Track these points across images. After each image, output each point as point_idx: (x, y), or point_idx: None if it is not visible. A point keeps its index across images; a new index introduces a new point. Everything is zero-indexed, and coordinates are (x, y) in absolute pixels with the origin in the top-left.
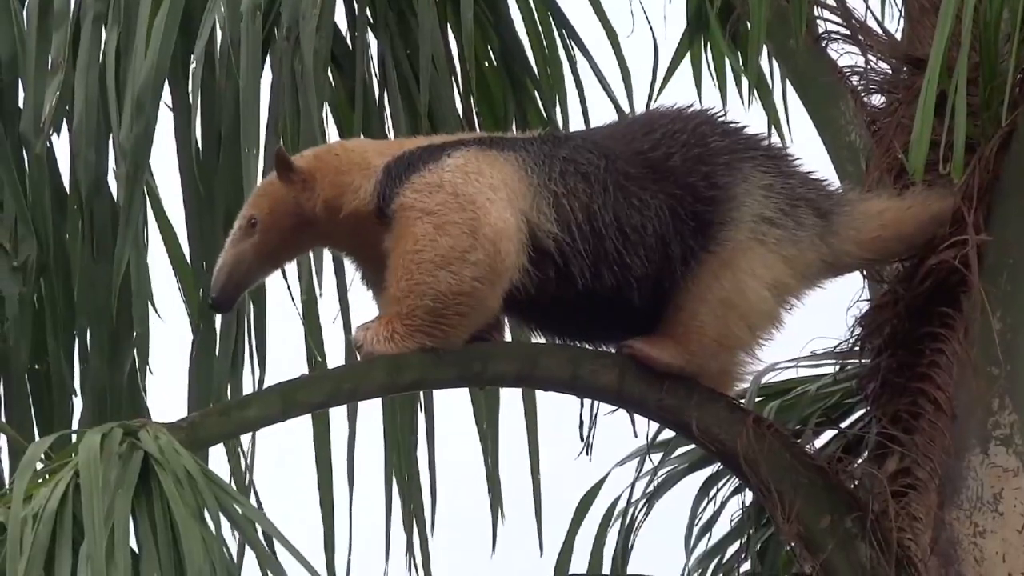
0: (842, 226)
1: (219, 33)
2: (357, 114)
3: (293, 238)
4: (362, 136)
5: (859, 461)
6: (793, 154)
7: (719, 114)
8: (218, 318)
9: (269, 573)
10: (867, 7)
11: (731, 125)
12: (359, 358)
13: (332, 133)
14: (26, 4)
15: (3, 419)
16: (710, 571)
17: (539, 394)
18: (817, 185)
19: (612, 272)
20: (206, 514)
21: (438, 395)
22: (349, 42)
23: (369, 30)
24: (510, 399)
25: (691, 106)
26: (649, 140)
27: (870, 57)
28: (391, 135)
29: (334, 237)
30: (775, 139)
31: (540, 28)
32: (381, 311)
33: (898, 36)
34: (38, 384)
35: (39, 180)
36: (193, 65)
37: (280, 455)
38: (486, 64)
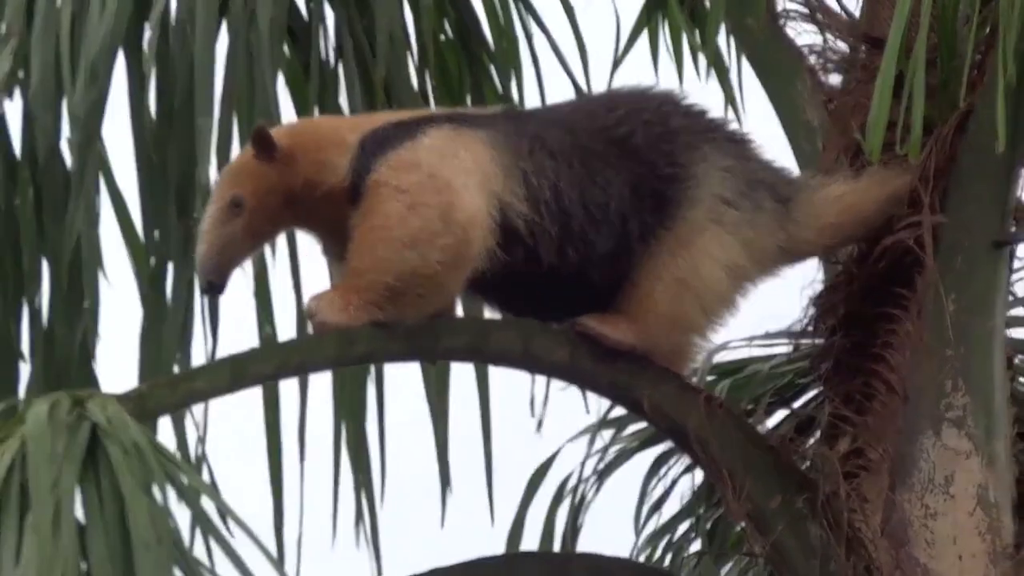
0: (801, 212)
1: (174, 1)
2: (312, 86)
3: (280, 216)
4: (316, 110)
5: (811, 441)
6: (755, 140)
7: (683, 95)
8: (168, 288)
9: (215, 545)
10: None
11: (694, 107)
12: (311, 327)
13: (286, 105)
14: None
15: None
16: (660, 549)
17: (491, 369)
18: (777, 171)
19: (576, 250)
20: (154, 486)
21: (389, 368)
22: (305, 13)
23: (326, 2)
24: (462, 373)
25: (655, 86)
26: (612, 118)
27: (828, 36)
28: (346, 108)
29: (308, 215)
30: (732, 118)
31: (496, 1)
32: (337, 282)
33: (857, 15)
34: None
35: None
36: (148, 33)
37: (233, 428)
38: (442, 38)
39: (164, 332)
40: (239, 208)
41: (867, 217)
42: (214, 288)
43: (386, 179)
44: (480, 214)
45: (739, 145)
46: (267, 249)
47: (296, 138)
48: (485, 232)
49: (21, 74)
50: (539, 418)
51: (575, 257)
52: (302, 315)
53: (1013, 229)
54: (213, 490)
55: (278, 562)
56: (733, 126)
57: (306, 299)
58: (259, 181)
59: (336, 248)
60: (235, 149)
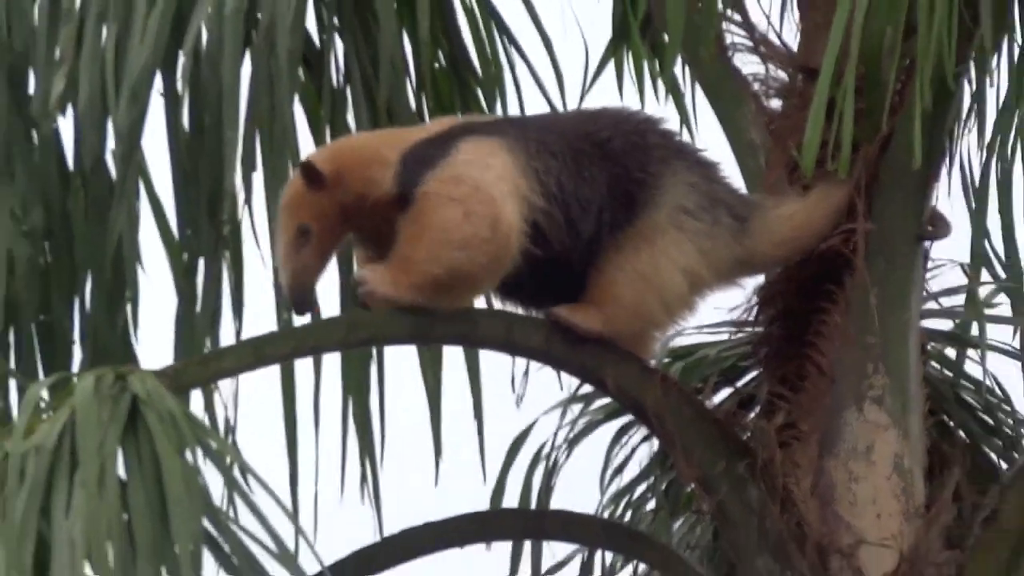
0: (757, 230)
1: (205, 32)
2: (324, 107)
3: (341, 230)
4: (328, 127)
5: (751, 416)
6: (722, 166)
7: (662, 119)
8: (199, 280)
9: (239, 500)
10: (768, 22)
11: (671, 130)
12: (359, 292)
13: (301, 122)
14: (37, 3)
15: (12, 365)
16: (621, 507)
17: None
18: (737, 193)
19: (569, 235)
20: (186, 450)
21: (389, 351)
22: (318, 43)
23: (336, 34)
24: (453, 356)
25: (639, 110)
26: (595, 125)
27: (770, 66)
28: (353, 126)
29: (358, 222)
30: (687, 136)
31: (483, 34)
32: (387, 262)
33: (795, 49)
34: (43, 335)
35: (46, 157)
36: (182, 59)
37: (255, 401)
38: (436, 66)
39: (196, 318)
40: (307, 235)
41: (816, 231)
42: (304, 309)
43: (437, 190)
44: (517, 222)
45: (706, 168)
46: None
47: (339, 161)
48: (520, 237)
49: (72, 94)
50: (519, 394)
51: (568, 243)
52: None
53: (929, 229)
54: (237, 453)
55: (293, 515)
56: (704, 152)
57: (358, 270)
58: (317, 207)
59: (371, 244)
60: (258, 160)
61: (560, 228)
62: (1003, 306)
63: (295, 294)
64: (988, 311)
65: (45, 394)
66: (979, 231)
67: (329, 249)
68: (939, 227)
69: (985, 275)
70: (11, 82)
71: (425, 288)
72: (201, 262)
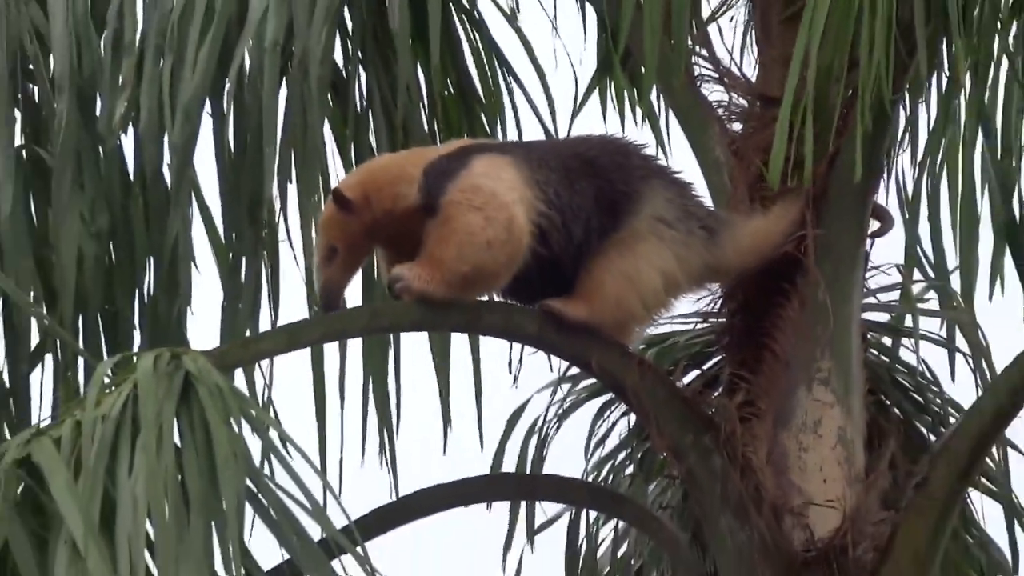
0: (724, 240)
1: (247, 62)
2: (349, 127)
3: (366, 245)
4: (353, 150)
5: (715, 394)
6: (694, 186)
7: (645, 145)
8: (242, 275)
9: (274, 459)
10: (730, 57)
11: (652, 154)
12: (395, 288)
13: (329, 141)
14: (103, 36)
15: (82, 346)
16: (603, 472)
17: (481, 339)
18: (707, 209)
19: (563, 238)
20: (231, 419)
21: (405, 337)
22: (344, 73)
23: (360, 65)
24: (459, 342)
25: (625, 136)
26: (585, 146)
27: (732, 94)
28: (375, 145)
29: (384, 234)
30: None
31: (486, 66)
32: (416, 260)
33: (753, 79)
34: (108, 321)
35: (111, 169)
36: (228, 86)
37: (289, 379)
38: (446, 93)
39: (238, 307)
40: (335, 253)
41: (774, 243)
42: (332, 309)
43: (459, 199)
44: (527, 225)
45: (681, 186)
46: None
47: (366, 186)
48: (529, 238)
49: (133, 115)
50: (515, 375)
51: (563, 245)
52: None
53: (869, 231)
54: (275, 422)
55: (323, 476)
56: (679, 173)
57: (394, 268)
58: (344, 228)
59: (394, 249)
60: (292, 173)
61: (558, 231)
62: (932, 301)
63: (325, 299)
64: (920, 305)
65: (110, 372)
66: (912, 237)
67: (355, 263)
68: (885, 222)
69: (917, 275)
70: (81, 104)
71: (454, 283)
72: (243, 260)
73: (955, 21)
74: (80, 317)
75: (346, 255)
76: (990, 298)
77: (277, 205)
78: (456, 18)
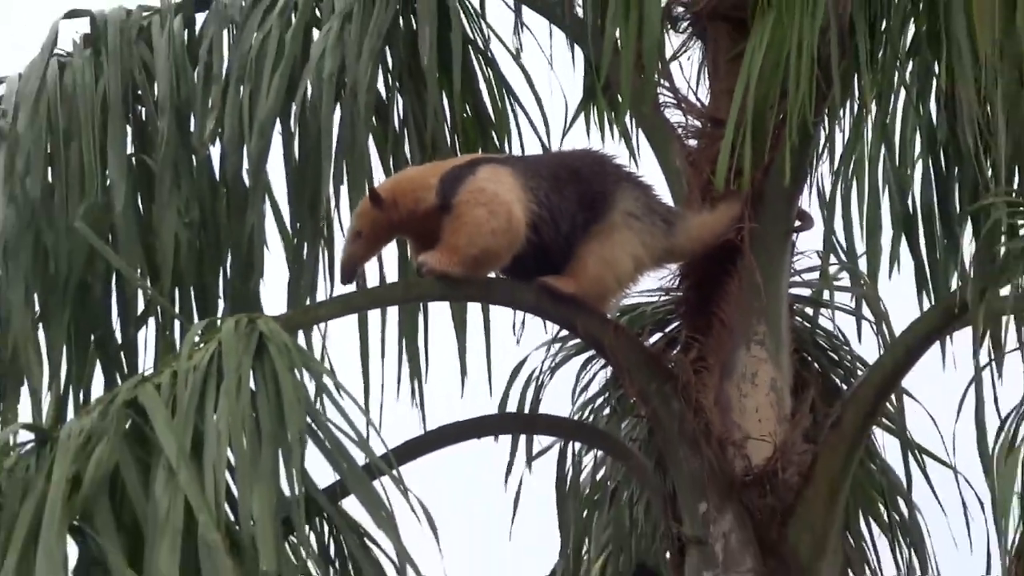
0: (680, 230)
1: (309, 90)
2: (389, 142)
3: (386, 236)
4: (391, 160)
5: (674, 352)
6: (656, 187)
7: (615, 156)
8: (304, 257)
9: (328, 401)
10: (688, 87)
11: (622, 163)
12: (423, 270)
13: (373, 154)
14: (196, 69)
15: (178, 312)
16: (586, 412)
17: (492, 308)
18: (667, 205)
19: (553, 231)
20: (295, 369)
21: (433, 306)
22: (385, 99)
23: (397, 92)
24: (474, 310)
25: (601, 150)
26: (570, 158)
27: (689, 118)
28: (409, 157)
29: (408, 228)
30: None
31: (496, 95)
32: (437, 248)
33: (705, 104)
34: (199, 293)
35: (201, 173)
36: (293, 108)
37: (342, 338)
38: (465, 115)
39: (301, 282)
40: (359, 236)
41: (718, 233)
42: (348, 281)
43: (468, 199)
44: (523, 218)
45: (646, 188)
46: None
47: (396, 189)
48: (524, 228)
49: (219, 131)
50: (517, 336)
51: (552, 235)
52: (381, 275)
53: (799, 223)
54: (329, 372)
55: (366, 414)
56: (644, 177)
57: (420, 256)
58: (372, 219)
59: (418, 241)
60: (344, 177)
61: (547, 225)
62: (844, 279)
63: (344, 269)
64: (834, 283)
65: (200, 333)
66: (828, 229)
67: (373, 248)
68: (806, 221)
69: (832, 259)
70: (178, 122)
71: (467, 264)
72: (305, 245)
73: (864, 60)
74: (176, 289)
75: (368, 240)
76: (889, 276)
77: (332, 203)
78: (473, 57)
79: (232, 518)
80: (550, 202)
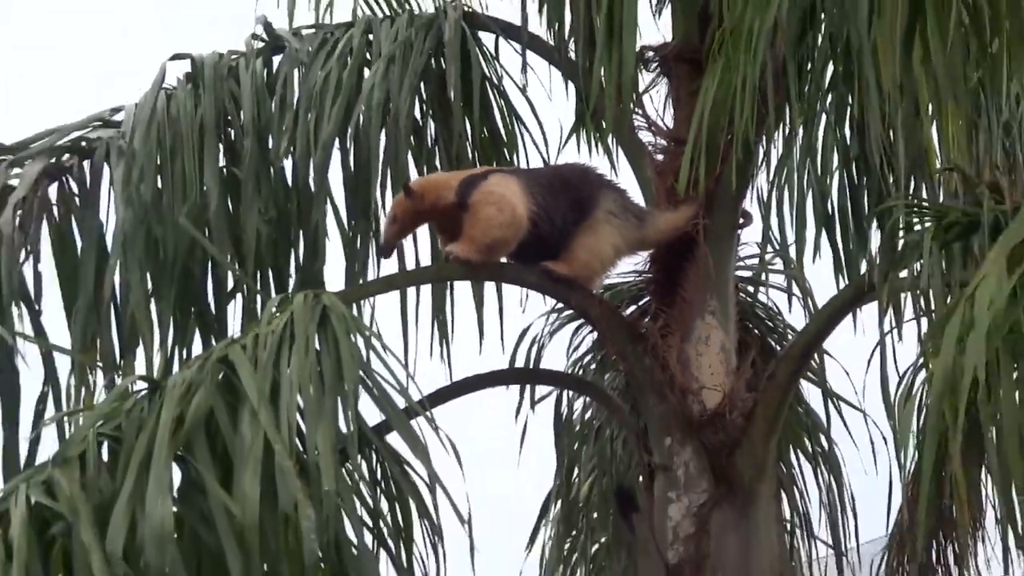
0: (649, 225)
1: (362, 115)
2: (423, 157)
3: (412, 222)
4: (425, 170)
5: (646, 320)
6: (630, 192)
7: (598, 167)
8: (358, 245)
9: (375, 358)
10: (656, 114)
11: (604, 173)
12: (449, 256)
13: (411, 165)
14: (273, 99)
15: (259, 289)
16: (578, 368)
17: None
18: (639, 207)
19: (549, 226)
20: (351, 333)
21: (458, 285)
22: (420, 123)
23: (430, 118)
24: (489, 288)
25: (587, 163)
26: (563, 170)
27: (657, 138)
28: (439, 170)
29: (433, 219)
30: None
31: (507, 119)
32: (459, 239)
33: (670, 127)
34: (276, 275)
35: (277, 181)
36: (349, 130)
37: (387, 310)
38: (483, 135)
39: (355, 266)
40: (395, 221)
41: (679, 228)
42: (385, 255)
43: (481, 199)
44: (525, 215)
45: (622, 192)
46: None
47: (424, 187)
48: (526, 223)
49: (291, 148)
50: (523, 307)
51: (548, 229)
52: (417, 261)
53: (742, 220)
54: (377, 335)
55: (405, 367)
56: (621, 183)
57: (447, 247)
58: (404, 208)
59: (443, 233)
60: (388, 184)
61: (544, 221)
62: (778, 263)
63: (383, 248)
64: (770, 267)
65: (276, 305)
66: (766, 225)
67: (405, 231)
68: (747, 219)
69: (768, 249)
70: (259, 140)
71: (482, 251)
72: (358, 238)
73: (794, 93)
74: (258, 271)
75: (401, 224)
76: (813, 261)
77: (379, 204)
78: (489, 90)
79: (301, 449)
80: (546, 203)
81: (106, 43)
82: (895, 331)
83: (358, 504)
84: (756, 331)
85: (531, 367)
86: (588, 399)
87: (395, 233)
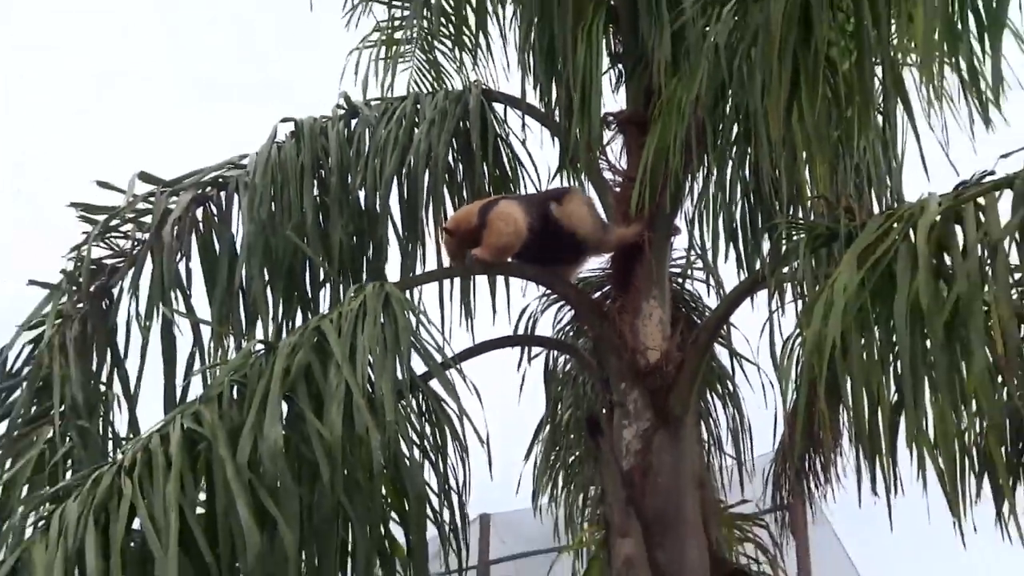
0: (611, 233)
1: (412, 160)
2: (453, 190)
3: (459, 246)
4: (455, 199)
5: (607, 302)
6: (596, 205)
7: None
8: (409, 249)
9: (422, 328)
10: (615, 159)
11: (577, 190)
12: (472, 258)
13: (446, 194)
14: (352, 148)
15: (340, 279)
16: (561, 335)
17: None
18: (604, 221)
19: (534, 231)
20: (405, 311)
21: (479, 278)
22: (452, 166)
23: (460, 163)
24: (499, 279)
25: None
26: (549, 193)
27: (616, 176)
28: (465, 198)
29: (465, 239)
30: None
31: (511, 163)
32: (480, 246)
33: (625, 167)
34: (353, 271)
35: (355, 205)
36: (404, 169)
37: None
38: (495, 174)
39: (408, 263)
40: (448, 249)
41: (631, 237)
42: (452, 260)
43: (494, 217)
44: (524, 226)
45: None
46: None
47: (458, 222)
48: (526, 231)
49: (364, 182)
50: (523, 293)
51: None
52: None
53: (673, 234)
54: (424, 312)
55: (441, 331)
56: (588, 196)
57: (471, 252)
58: (448, 241)
59: (468, 245)
60: (430, 209)
61: (535, 232)
62: (699, 264)
63: (452, 259)
64: (694, 266)
65: (353, 292)
66: (691, 236)
67: (459, 251)
68: (677, 232)
69: (693, 254)
70: (341, 177)
71: (495, 253)
72: (411, 244)
73: (710, 145)
74: (340, 268)
75: (451, 251)
76: (725, 261)
77: (425, 222)
78: (500, 143)
79: (370, 391)
80: (534, 217)
81: (106, 43)
82: (780, 309)
83: (409, 429)
84: (684, 310)
85: (528, 334)
86: (567, 356)
87: (452, 254)
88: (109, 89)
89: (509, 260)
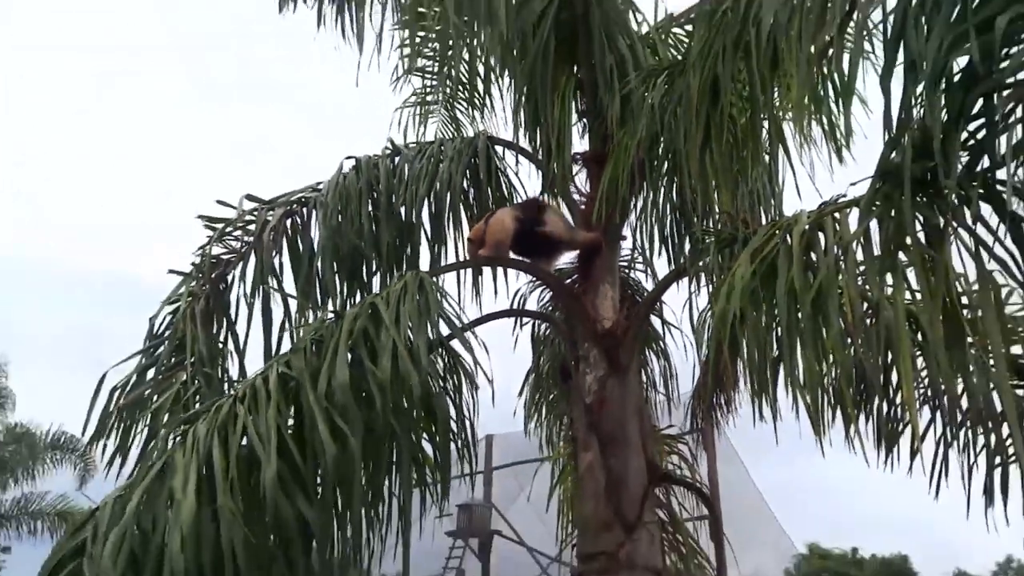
0: (577, 235)
1: (438, 185)
2: (467, 207)
3: (478, 248)
4: (468, 215)
5: (576, 286)
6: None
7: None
8: (435, 251)
9: (445, 303)
10: (582, 185)
11: (549, 204)
12: (479, 254)
13: (462, 210)
14: (394, 178)
15: (389, 274)
16: (543, 308)
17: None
18: (572, 225)
19: (529, 233)
20: (438, 293)
21: (487, 269)
22: (466, 189)
23: (472, 188)
24: (499, 271)
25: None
26: (531, 202)
27: (582, 197)
28: (475, 214)
29: (481, 243)
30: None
31: (508, 188)
32: (486, 245)
33: (588, 191)
34: (397, 264)
35: (399, 217)
36: (431, 194)
37: (450, 282)
38: (498, 195)
39: (435, 258)
40: (471, 252)
41: (592, 240)
42: (471, 257)
43: (493, 221)
44: (512, 226)
45: (563, 216)
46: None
47: (475, 232)
48: (513, 230)
49: (403, 207)
50: (517, 278)
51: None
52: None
53: (622, 238)
54: (446, 292)
55: (459, 306)
56: (562, 211)
57: (481, 250)
58: (471, 248)
59: (480, 246)
60: (451, 224)
61: (524, 230)
62: (639, 262)
63: (473, 257)
64: (636, 261)
65: (396, 278)
66: (634, 240)
67: (475, 251)
68: (624, 237)
69: (636, 253)
70: (388, 198)
71: (495, 249)
72: (436, 247)
73: (648, 175)
74: (387, 262)
75: (473, 255)
76: (659, 257)
77: (449, 232)
78: (500, 174)
79: (410, 346)
80: (525, 220)
81: (106, 43)
82: (697, 291)
83: (437, 373)
84: (629, 292)
85: (520, 308)
86: (547, 324)
87: (471, 254)
88: (109, 89)
89: (509, 255)
